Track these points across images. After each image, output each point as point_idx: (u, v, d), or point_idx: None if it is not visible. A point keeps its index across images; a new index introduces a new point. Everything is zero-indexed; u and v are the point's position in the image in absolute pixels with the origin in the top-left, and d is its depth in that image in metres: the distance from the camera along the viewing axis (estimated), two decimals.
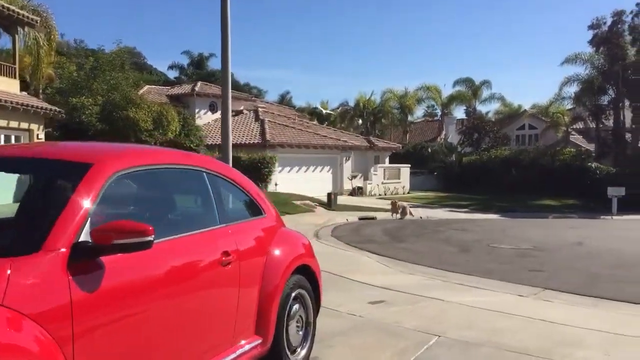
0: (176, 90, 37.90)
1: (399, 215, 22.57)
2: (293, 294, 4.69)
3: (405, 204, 24.28)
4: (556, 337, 6.48)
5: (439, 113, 52.41)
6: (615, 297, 9.14)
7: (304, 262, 4.96)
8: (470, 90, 48.53)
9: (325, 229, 17.72)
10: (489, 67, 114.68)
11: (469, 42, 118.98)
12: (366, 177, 35.04)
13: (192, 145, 26.97)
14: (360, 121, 51.26)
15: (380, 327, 6.57)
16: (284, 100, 65.19)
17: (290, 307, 4.65)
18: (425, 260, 12.23)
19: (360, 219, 21.64)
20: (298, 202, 23.59)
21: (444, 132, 49.13)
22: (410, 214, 22.79)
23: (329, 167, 33.18)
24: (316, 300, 5.15)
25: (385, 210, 25.08)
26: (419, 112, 56.37)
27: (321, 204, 24.75)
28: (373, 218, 22.16)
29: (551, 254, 14.07)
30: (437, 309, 7.61)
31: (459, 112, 52.77)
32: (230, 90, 11.73)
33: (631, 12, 32.84)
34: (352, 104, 54.16)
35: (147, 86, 37.90)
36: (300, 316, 4.85)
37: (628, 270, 12.11)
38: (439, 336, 6.27)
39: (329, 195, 24.52)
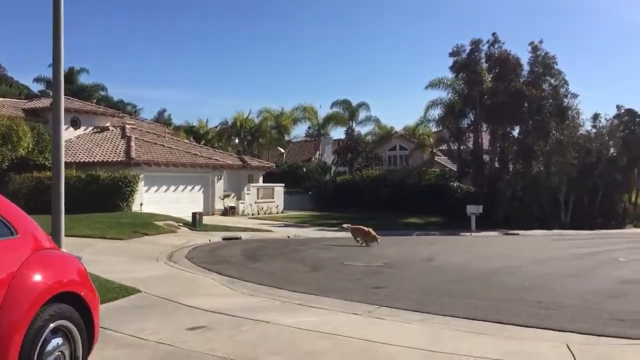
0: (34, 104, 35.40)
1: (360, 241, 20.40)
2: (52, 326, 4.15)
3: (369, 230, 20.85)
4: (368, 358, 6.41)
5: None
6: (445, 313, 9.36)
7: (71, 290, 4.45)
8: (347, 112, 49.70)
9: (182, 251, 17.02)
10: (369, 89, 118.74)
11: (351, 63, 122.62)
12: (239, 197, 34.57)
13: (46, 163, 25.14)
14: (237, 140, 50.82)
15: (185, 356, 6.15)
16: (161, 118, 63.32)
17: (46, 342, 4.11)
18: (273, 281, 11.98)
19: (224, 239, 21.10)
20: (160, 223, 22.61)
21: (318, 152, 49.89)
22: (375, 239, 20.21)
23: (200, 186, 32.34)
24: (89, 333, 4.62)
25: (253, 230, 24.73)
26: (299, 132, 56.94)
27: (186, 224, 23.92)
28: (238, 238, 21.70)
29: (400, 270, 14.37)
30: (258, 333, 7.31)
31: (339, 133, 53.90)
32: (62, 98, 10.71)
33: (487, 41, 35.29)
34: (231, 122, 53.62)
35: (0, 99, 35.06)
36: (62, 352, 4.31)
37: (466, 284, 12.59)
38: None
39: (193, 215, 23.74)
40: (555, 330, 8.40)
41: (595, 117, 37.45)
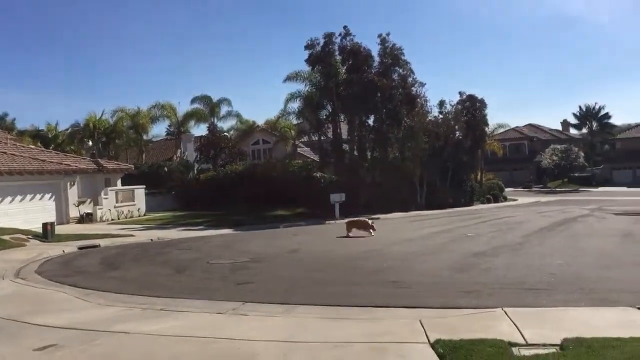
0: None
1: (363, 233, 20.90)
2: None
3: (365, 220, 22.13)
4: (230, 355, 6.36)
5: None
6: (308, 302, 9.55)
7: None
8: (208, 108, 48.74)
9: (32, 265, 15.74)
10: (230, 84, 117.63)
11: (215, 60, 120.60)
12: (96, 202, 32.66)
13: None
14: (90, 142, 47.96)
15: None
16: (2, 123, 58.02)
17: None
18: (133, 288, 11.49)
19: (80, 248, 19.83)
20: (6, 237, 20.74)
21: (180, 150, 48.55)
22: (371, 229, 21.09)
23: (51, 194, 30.06)
24: None
25: (113, 236, 23.53)
26: (159, 131, 54.94)
27: (37, 236, 22.17)
28: (96, 246, 20.51)
29: (266, 264, 14.43)
30: (114, 345, 6.98)
31: (201, 130, 52.77)
32: None
33: (340, 34, 36.29)
34: (83, 124, 50.42)
35: None
36: None
37: (329, 272, 12.96)
38: None
39: (44, 225, 22.03)
40: (410, 307, 8.92)
41: (441, 103, 40.03)
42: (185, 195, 39.73)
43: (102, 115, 48.59)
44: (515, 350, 5.98)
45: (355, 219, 22.93)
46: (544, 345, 6.17)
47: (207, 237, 23.11)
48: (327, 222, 30.08)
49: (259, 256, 15.89)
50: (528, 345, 6.25)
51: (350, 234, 20.89)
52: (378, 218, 31.27)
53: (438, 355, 5.96)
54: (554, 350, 5.89)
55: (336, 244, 18.86)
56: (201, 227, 28.05)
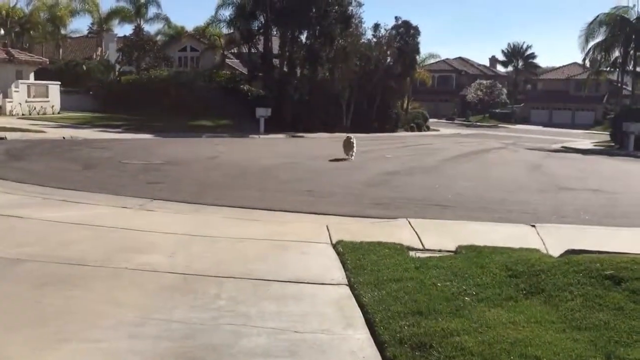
0: None
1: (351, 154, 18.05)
2: None
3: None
4: (128, 245, 6.20)
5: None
6: (219, 203, 9.45)
7: None
8: (134, 7, 45.93)
9: None
10: None
11: None
12: (6, 95, 30.62)
13: None
14: (2, 31, 44.33)
15: None
16: None
17: None
18: (36, 179, 10.96)
19: None
20: None
21: (101, 49, 45.88)
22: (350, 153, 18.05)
23: None
24: None
25: (23, 131, 22.27)
26: (79, 26, 51.46)
27: None
28: (2, 138, 19.38)
29: (181, 167, 14.14)
30: (4, 227, 6.65)
31: (126, 30, 49.78)
32: None
33: None
34: None
35: None
36: None
37: (244, 178, 12.87)
38: None
39: None
40: (320, 214, 9.00)
41: (376, 27, 39.55)
42: (105, 97, 37.92)
43: (16, 3, 44.86)
44: (412, 253, 6.15)
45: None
46: (440, 250, 6.39)
47: (124, 140, 22.33)
48: (250, 135, 29.78)
49: (176, 160, 15.53)
50: (425, 249, 6.45)
51: (346, 156, 17.92)
52: (303, 136, 31.31)
53: (337, 253, 6.05)
54: (448, 254, 6.11)
55: (255, 156, 18.71)
56: (119, 130, 27.05)
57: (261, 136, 30.29)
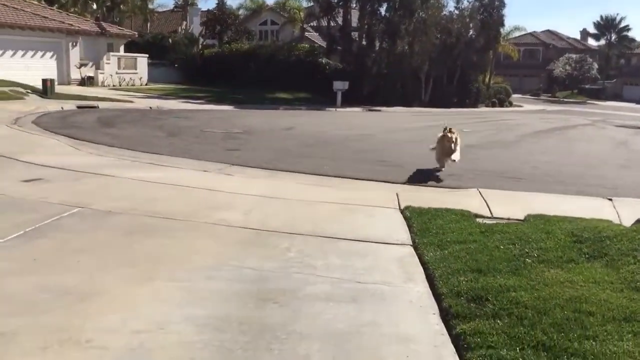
0: None
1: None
2: None
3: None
4: (208, 203, 6.64)
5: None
6: (293, 170, 9.80)
7: None
8: None
9: (30, 117, 15.93)
10: None
11: None
12: (98, 67, 32.39)
13: None
14: (95, 5, 46.63)
15: (16, 204, 5.99)
16: None
17: None
18: (125, 143, 11.72)
19: (79, 107, 19.96)
20: (5, 89, 20.82)
21: (186, 23, 47.37)
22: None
23: (52, 52, 29.72)
24: None
25: (113, 100, 23.55)
26: (166, 1, 53.30)
27: (36, 91, 22.23)
28: (94, 107, 20.64)
29: (258, 137, 14.61)
30: (98, 184, 7.26)
31: (210, 4, 51.12)
32: None
33: None
34: None
35: None
36: None
37: (319, 148, 13.17)
38: (82, 208, 5.95)
39: (44, 81, 22.03)
40: (392, 182, 9.18)
41: None
42: (188, 70, 39.32)
43: None
44: (479, 220, 6.23)
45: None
46: (508, 219, 6.42)
47: (206, 111, 23.19)
48: (327, 108, 30.04)
49: (254, 130, 16.05)
50: (493, 217, 6.50)
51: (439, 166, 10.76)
52: (380, 110, 31.26)
53: (404, 218, 6.22)
54: (515, 222, 6.14)
55: (332, 127, 18.95)
56: (202, 101, 28.03)
57: (338, 109, 30.48)
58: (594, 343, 2.98)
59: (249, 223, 5.76)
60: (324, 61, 35.67)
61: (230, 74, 36.70)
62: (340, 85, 31.83)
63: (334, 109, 30.34)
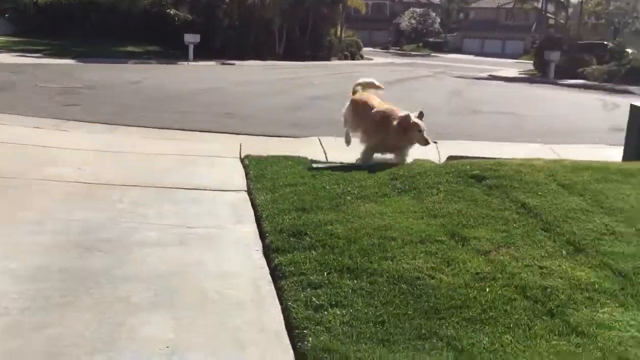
0: None
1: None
2: None
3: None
4: (39, 160, 6.32)
5: None
6: (137, 124, 9.54)
7: None
8: None
9: None
10: None
11: None
12: None
13: None
14: None
15: None
16: None
17: None
18: None
19: None
20: None
21: None
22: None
23: None
24: None
25: None
26: None
27: None
28: None
29: (100, 90, 13.96)
30: None
31: None
32: None
33: None
34: None
35: None
36: None
37: (166, 102, 12.86)
38: None
39: None
40: (237, 134, 9.27)
41: None
42: (22, 21, 35.87)
43: None
44: (314, 165, 6.56)
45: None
46: (342, 163, 6.82)
47: (44, 65, 21.50)
48: (179, 62, 29.14)
49: (97, 84, 15.24)
50: (327, 162, 6.90)
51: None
52: (233, 64, 30.89)
53: (243, 166, 6.39)
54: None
55: (180, 80, 18.52)
56: (39, 55, 25.89)
57: (190, 63, 29.69)
58: (391, 262, 3.38)
59: (81, 177, 5.60)
60: (172, 12, 34.31)
61: (70, 26, 34.06)
62: (191, 38, 30.91)
63: (186, 62, 29.51)
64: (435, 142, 8.69)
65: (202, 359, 2.57)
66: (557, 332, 2.65)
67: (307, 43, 38.79)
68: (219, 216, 4.59)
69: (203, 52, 30.93)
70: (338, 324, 2.70)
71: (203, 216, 4.57)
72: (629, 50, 32.14)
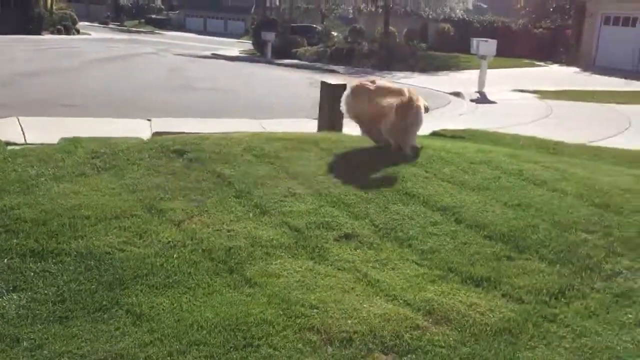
0: None
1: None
2: None
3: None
4: None
5: None
6: None
7: None
8: None
9: None
10: None
11: None
12: None
13: None
14: None
15: None
16: None
17: None
18: None
19: None
20: None
21: None
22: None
23: None
24: None
25: None
26: None
27: None
28: None
29: None
30: None
31: None
32: None
33: None
34: None
35: None
36: None
37: None
38: None
39: None
40: None
41: None
42: None
43: None
44: (10, 148, 6.01)
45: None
46: (42, 144, 6.35)
47: None
48: None
49: None
50: (26, 144, 6.39)
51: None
52: None
53: None
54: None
55: None
56: None
57: None
58: (80, 241, 3.33)
59: None
60: None
61: None
62: None
63: None
64: (149, 120, 8.71)
65: None
66: (233, 286, 2.94)
67: (14, 15, 34.69)
68: None
69: None
70: (14, 309, 2.59)
71: None
72: (334, 33, 35.79)
